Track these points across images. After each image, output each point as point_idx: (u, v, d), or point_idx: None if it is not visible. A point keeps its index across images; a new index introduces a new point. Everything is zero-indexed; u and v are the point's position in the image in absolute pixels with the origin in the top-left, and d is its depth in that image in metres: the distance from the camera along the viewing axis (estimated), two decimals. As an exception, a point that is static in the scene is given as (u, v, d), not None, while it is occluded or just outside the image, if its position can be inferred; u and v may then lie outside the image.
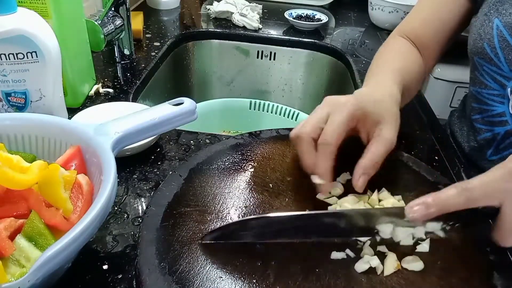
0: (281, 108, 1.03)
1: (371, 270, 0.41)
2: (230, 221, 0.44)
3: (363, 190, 0.46)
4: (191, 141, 0.64)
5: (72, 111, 0.64)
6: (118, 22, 0.82)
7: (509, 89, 0.58)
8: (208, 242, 0.42)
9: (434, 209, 0.39)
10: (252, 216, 0.42)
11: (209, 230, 0.43)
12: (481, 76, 0.63)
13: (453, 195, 0.38)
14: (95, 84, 0.76)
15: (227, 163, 0.53)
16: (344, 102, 0.47)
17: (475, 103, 0.67)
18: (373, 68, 0.63)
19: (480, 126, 0.67)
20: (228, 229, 0.42)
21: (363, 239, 0.44)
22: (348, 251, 0.43)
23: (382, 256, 0.42)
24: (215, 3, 1.18)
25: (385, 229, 0.42)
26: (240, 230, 0.42)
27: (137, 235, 0.45)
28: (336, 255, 0.42)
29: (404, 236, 0.43)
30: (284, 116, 1.02)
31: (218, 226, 0.43)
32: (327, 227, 0.43)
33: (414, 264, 0.41)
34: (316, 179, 0.46)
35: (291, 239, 0.43)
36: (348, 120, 0.46)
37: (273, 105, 1.03)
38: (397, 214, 0.41)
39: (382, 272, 0.41)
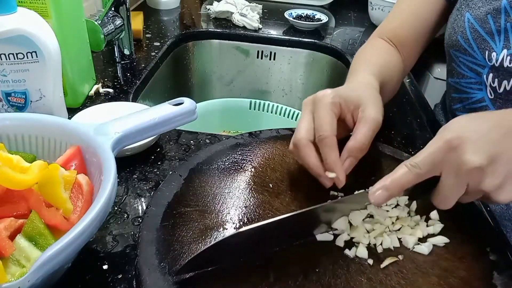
0: (281, 108, 1.03)
1: (371, 270, 0.41)
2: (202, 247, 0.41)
3: (348, 172, 0.47)
4: (191, 141, 0.64)
5: (72, 111, 0.64)
6: (118, 22, 0.82)
7: (484, 76, 0.63)
8: (186, 276, 0.38)
9: (393, 190, 0.41)
10: (221, 238, 0.39)
11: (179, 266, 0.39)
12: (458, 67, 0.67)
13: (405, 173, 0.41)
14: (95, 84, 0.76)
15: (227, 163, 0.53)
16: (322, 96, 0.49)
17: (455, 93, 0.71)
18: (352, 68, 0.65)
19: (462, 114, 0.69)
20: (202, 258, 0.39)
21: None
22: (347, 251, 0.43)
23: (378, 256, 0.43)
24: (215, 3, 1.18)
25: (340, 225, 0.44)
26: (218, 253, 0.39)
27: (137, 235, 0.45)
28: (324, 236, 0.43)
29: (358, 219, 0.45)
30: (284, 116, 1.02)
31: (187, 259, 0.39)
32: (292, 229, 0.43)
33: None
34: (330, 174, 0.46)
35: (266, 249, 0.42)
36: (332, 109, 0.47)
37: (273, 105, 1.03)
38: (359, 201, 0.44)
39: (382, 271, 0.41)
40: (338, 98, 0.48)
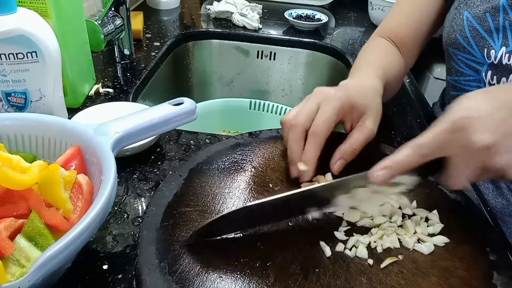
0: (281, 108, 1.03)
1: (371, 270, 0.41)
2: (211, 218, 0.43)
3: (338, 173, 0.50)
4: (191, 141, 0.64)
5: (72, 111, 0.64)
6: (118, 22, 0.82)
7: (483, 73, 0.63)
8: (194, 241, 0.42)
9: (394, 171, 0.42)
10: (232, 209, 0.42)
11: (194, 231, 0.42)
12: (457, 65, 0.68)
13: (408, 155, 0.41)
14: (95, 84, 0.76)
15: (227, 163, 0.53)
16: (334, 94, 0.50)
17: (454, 91, 0.72)
18: (356, 66, 0.67)
19: None
20: (212, 227, 0.42)
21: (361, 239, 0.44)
22: (347, 251, 0.43)
23: (378, 256, 0.43)
24: (215, 3, 1.18)
25: (342, 202, 0.45)
26: (222, 225, 0.42)
27: (137, 235, 0.45)
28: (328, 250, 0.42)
29: (364, 196, 0.45)
30: (284, 116, 1.02)
31: (201, 225, 0.42)
32: (297, 206, 0.45)
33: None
34: (301, 166, 0.49)
35: (268, 223, 0.45)
36: (337, 113, 0.49)
37: (273, 105, 1.03)
38: (360, 181, 0.44)
39: (382, 271, 0.41)
40: (347, 104, 0.50)
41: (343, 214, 0.47)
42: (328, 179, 0.51)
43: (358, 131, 0.50)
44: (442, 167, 0.42)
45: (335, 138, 0.51)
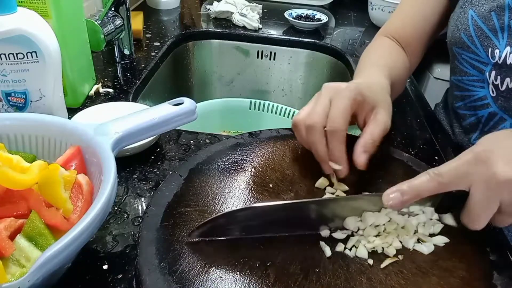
0: (281, 108, 1.03)
1: (371, 270, 0.41)
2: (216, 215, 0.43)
3: (365, 168, 0.48)
4: (191, 141, 0.64)
5: (72, 111, 0.64)
6: (118, 22, 0.82)
7: (487, 73, 0.63)
8: (197, 239, 0.42)
9: (409, 195, 0.41)
10: (238, 208, 0.41)
11: (196, 226, 0.42)
12: (461, 65, 0.68)
13: (426, 181, 0.40)
14: (95, 84, 0.76)
15: (227, 163, 0.53)
16: (345, 88, 0.49)
17: (457, 91, 0.72)
18: (361, 65, 0.67)
19: (464, 112, 0.71)
20: (215, 223, 0.42)
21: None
22: (347, 251, 0.43)
23: (378, 256, 0.43)
24: (215, 3, 1.18)
25: (350, 224, 0.44)
26: (227, 223, 0.42)
27: (137, 235, 0.45)
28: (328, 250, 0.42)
29: (370, 221, 0.44)
30: (284, 116, 1.02)
31: (204, 221, 0.42)
32: (309, 217, 0.44)
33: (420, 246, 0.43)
34: (335, 166, 0.48)
35: (275, 232, 0.43)
36: (351, 104, 0.48)
37: (273, 105, 1.03)
38: (373, 203, 0.43)
39: (382, 271, 0.41)
40: (360, 96, 0.49)
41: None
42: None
43: (373, 124, 0.49)
44: (461, 204, 0.41)
45: (348, 141, 0.49)
